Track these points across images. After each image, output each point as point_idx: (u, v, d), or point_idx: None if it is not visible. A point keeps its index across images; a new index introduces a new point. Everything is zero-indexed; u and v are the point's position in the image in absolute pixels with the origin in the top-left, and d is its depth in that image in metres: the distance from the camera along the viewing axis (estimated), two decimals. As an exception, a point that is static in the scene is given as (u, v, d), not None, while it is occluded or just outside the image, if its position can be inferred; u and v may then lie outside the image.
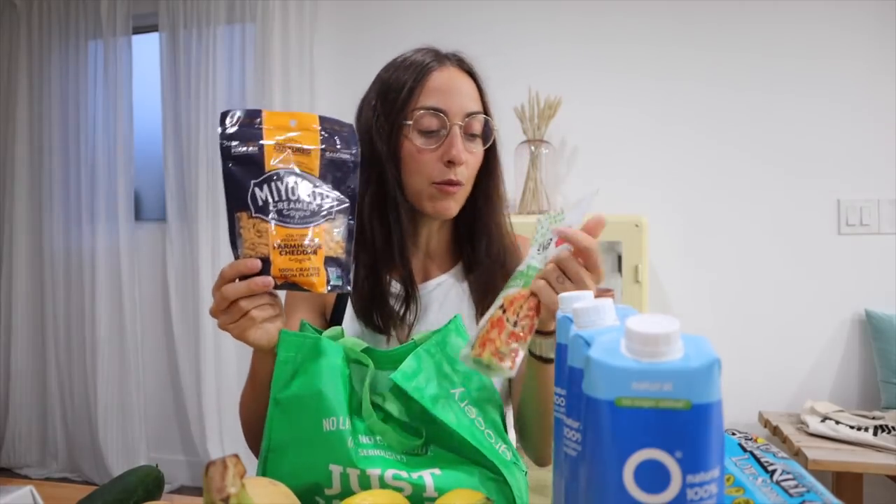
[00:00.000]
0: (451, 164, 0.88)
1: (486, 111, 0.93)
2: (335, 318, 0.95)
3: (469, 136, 0.91)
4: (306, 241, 0.70)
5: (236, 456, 0.47)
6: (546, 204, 2.20)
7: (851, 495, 1.85)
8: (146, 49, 2.84)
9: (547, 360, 0.80)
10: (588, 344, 0.46)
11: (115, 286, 2.77)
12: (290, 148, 0.72)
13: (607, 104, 2.34)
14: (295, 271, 0.69)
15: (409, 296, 0.92)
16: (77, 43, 2.80)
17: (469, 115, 0.90)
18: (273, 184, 0.70)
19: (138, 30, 2.82)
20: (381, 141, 0.91)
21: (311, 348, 0.73)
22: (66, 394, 2.85)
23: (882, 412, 1.94)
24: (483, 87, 0.94)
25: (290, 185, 0.70)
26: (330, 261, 0.71)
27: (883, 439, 1.75)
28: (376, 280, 0.91)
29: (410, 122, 0.89)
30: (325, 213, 0.72)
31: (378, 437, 0.72)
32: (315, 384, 0.71)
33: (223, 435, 2.64)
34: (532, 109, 2.22)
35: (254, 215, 0.69)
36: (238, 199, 0.70)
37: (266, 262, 0.69)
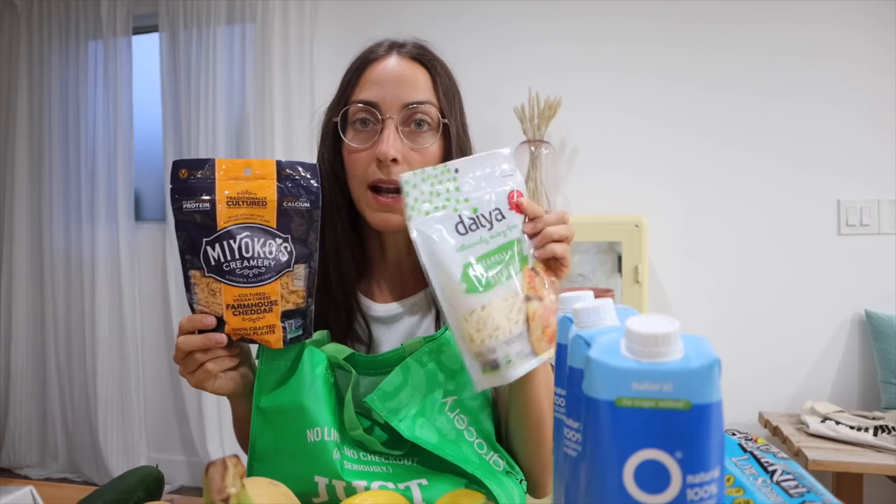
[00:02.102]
0: (379, 162, 0.79)
1: (440, 103, 0.82)
2: None
3: (412, 130, 0.81)
4: (260, 301, 0.68)
5: (236, 456, 0.47)
6: (546, 204, 2.20)
7: (851, 495, 1.85)
8: (146, 49, 2.84)
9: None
10: (588, 344, 0.46)
11: (115, 286, 2.77)
12: (243, 201, 0.69)
13: (607, 105, 2.34)
14: (249, 330, 0.69)
15: (350, 312, 0.85)
16: (77, 43, 2.80)
17: (408, 105, 0.80)
18: (225, 242, 0.68)
19: (138, 30, 2.82)
20: (323, 146, 0.86)
21: (292, 357, 0.71)
22: (66, 394, 2.85)
23: (882, 412, 1.94)
24: (441, 79, 0.83)
25: (243, 243, 0.68)
26: (287, 314, 0.70)
27: (883, 439, 1.75)
28: (324, 293, 0.83)
29: (338, 120, 0.82)
30: (282, 266, 0.69)
31: (362, 451, 0.71)
32: (296, 395, 0.69)
33: (223, 435, 2.63)
34: (532, 110, 2.22)
35: (206, 274, 0.68)
36: (191, 257, 0.68)
37: (220, 320, 0.69)
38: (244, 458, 0.83)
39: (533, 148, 2.22)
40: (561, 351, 0.54)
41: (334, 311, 0.85)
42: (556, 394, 0.54)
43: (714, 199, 2.27)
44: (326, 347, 0.75)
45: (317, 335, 0.75)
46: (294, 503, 0.60)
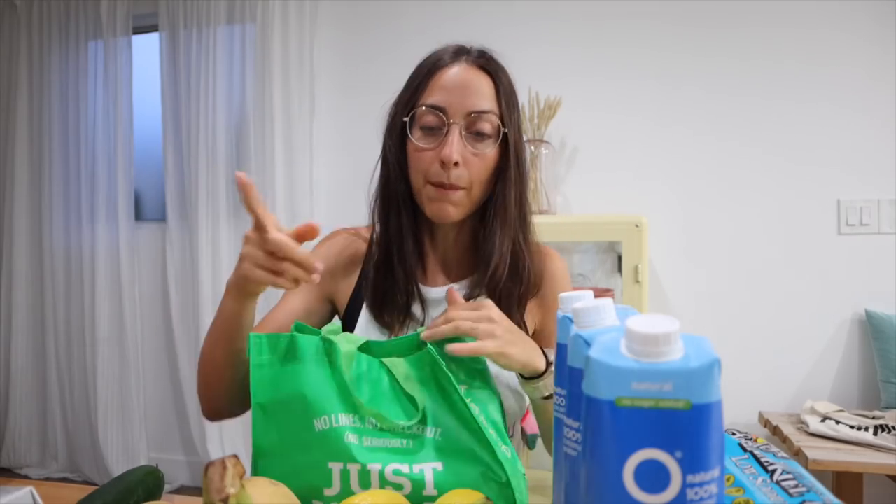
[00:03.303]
0: (443, 165, 0.85)
1: (501, 112, 0.88)
2: (349, 316, 0.95)
3: (474, 135, 0.86)
4: None
5: (235, 456, 0.47)
6: (546, 204, 2.20)
7: (851, 495, 1.85)
8: (146, 49, 2.84)
9: (549, 398, 0.80)
10: (588, 344, 0.46)
11: (115, 286, 2.77)
12: None
13: (607, 104, 2.34)
14: None
15: (410, 294, 0.91)
16: (77, 43, 2.80)
17: (473, 113, 0.85)
18: None
19: (138, 30, 2.82)
20: (390, 139, 0.91)
21: (285, 348, 0.71)
22: (66, 394, 2.85)
23: (882, 412, 1.94)
24: (504, 88, 0.89)
25: None
26: None
27: (883, 439, 1.75)
28: (385, 275, 0.91)
29: (408, 119, 0.88)
30: None
31: (378, 429, 0.71)
32: (297, 386, 0.70)
33: (223, 435, 2.63)
34: (532, 110, 2.22)
35: None
36: None
37: None
38: (246, 451, 0.83)
39: (533, 148, 2.22)
40: (561, 351, 0.54)
41: (396, 293, 0.90)
42: (556, 394, 0.54)
43: (714, 199, 2.27)
44: (339, 337, 0.75)
45: (330, 326, 0.76)
46: (294, 503, 0.60)
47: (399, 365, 0.75)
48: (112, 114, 2.75)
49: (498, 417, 0.76)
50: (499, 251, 0.89)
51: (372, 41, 2.54)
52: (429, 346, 0.74)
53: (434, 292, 0.93)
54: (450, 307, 0.78)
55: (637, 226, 1.98)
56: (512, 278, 0.91)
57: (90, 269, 2.77)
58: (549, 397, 0.80)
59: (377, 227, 0.94)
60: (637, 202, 2.28)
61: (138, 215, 2.83)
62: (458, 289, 0.93)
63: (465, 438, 0.70)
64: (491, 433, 0.72)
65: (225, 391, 0.84)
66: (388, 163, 0.91)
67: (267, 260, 0.71)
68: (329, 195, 2.59)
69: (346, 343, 0.74)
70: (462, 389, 0.73)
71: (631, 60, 2.32)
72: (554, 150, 2.29)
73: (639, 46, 2.31)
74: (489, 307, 0.77)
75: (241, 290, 0.76)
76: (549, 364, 0.79)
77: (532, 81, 2.23)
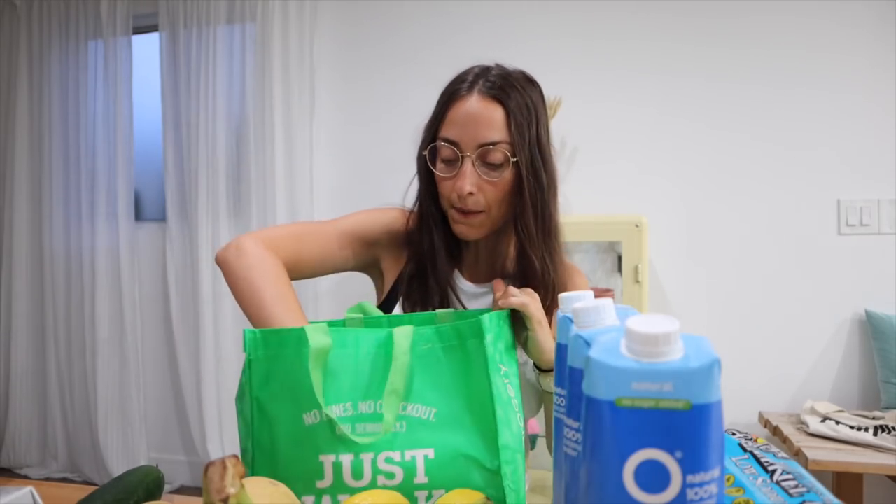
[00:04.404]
0: (459, 196, 0.91)
1: (512, 139, 0.91)
2: (388, 303, 1.01)
3: (488, 165, 0.92)
4: None
5: (235, 456, 0.47)
6: (546, 204, 2.20)
7: (851, 495, 1.86)
8: (146, 49, 2.84)
9: None
10: (588, 344, 0.46)
11: (115, 286, 2.77)
12: None
13: (607, 104, 2.34)
14: None
15: (445, 298, 0.97)
16: (77, 43, 2.80)
17: (482, 146, 0.91)
18: None
19: (138, 30, 2.82)
20: (420, 162, 0.98)
21: (278, 344, 0.72)
22: (66, 394, 2.85)
23: (882, 412, 1.94)
24: (514, 114, 0.92)
25: None
26: None
27: (883, 439, 1.75)
28: (419, 285, 0.98)
29: (431, 150, 0.95)
30: None
31: (372, 415, 0.71)
32: (287, 380, 0.71)
33: (223, 435, 2.63)
34: (532, 109, 2.22)
35: None
36: None
37: None
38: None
39: (533, 148, 2.22)
40: (561, 351, 0.54)
41: (431, 296, 0.98)
42: (556, 394, 0.54)
43: (714, 199, 2.27)
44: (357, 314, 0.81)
45: (353, 308, 0.82)
46: (294, 503, 0.60)
47: (404, 338, 0.73)
48: (112, 113, 2.75)
49: (519, 403, 0.76)
50: (525, 258, 0.96)
51: (372, 41, 2.54)
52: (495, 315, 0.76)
53: (469, 286, 1.01)
54: (509, 289, 0.83)
55: (637, 226, 1.98)
56: (537, 290, 0.93)
57: (90, 269, 2.77)
58: None
59: (412, 232, 1.02)
60: (637, 202, 2.28)
61: (138, 215, 2.83)
62: (489, 286, 1.00)
63: (465, 419, 0.71)
64: (500, 414, 0.71)
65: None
66: (422, 182, 0.99)
67: None
68: (329, 195, 2.59)
69: (321, 336, 0.72)
70: (502, 370, 0.74)
71: (632, 61, 2.32)
72: (554, 150, 2.28)
73: (639, 47, 2.31)
74: (535, 297, 0.83)
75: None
76: None
77: (532, 81, 2.23)
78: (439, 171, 0.94)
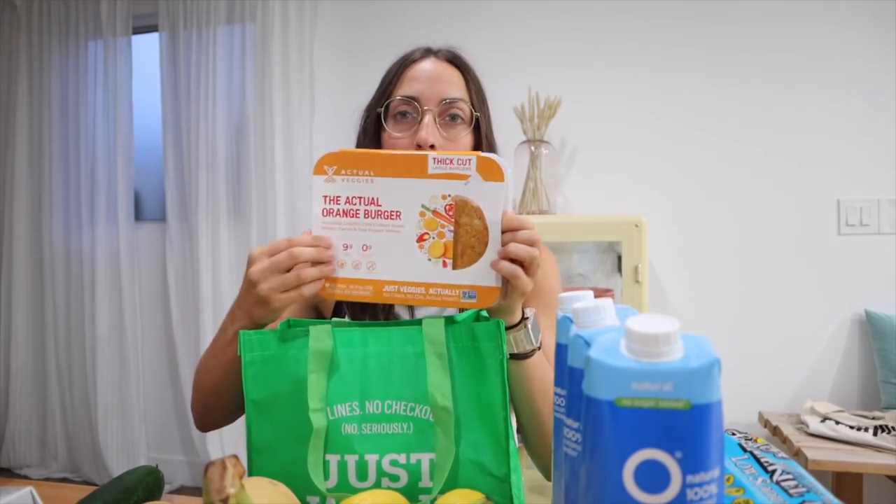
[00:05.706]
0: (420, 148, 0.86)
1: (472, 99, 0.91)
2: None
3: (447, 120, 0.89)
4: None
5: (235, 457, 0.47)
6: (546, 204, 2.20)
7: (851, 495, 1.86)
8: (146, 49, 2.84)
9: (524, 356, 0.77)
10: (588, 344, 0.46)
11: (115, 286, 2.77)
12: None
13: (607, 104, 2.34)
14: None
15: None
16: (77, 43, 2.80)
17: (445, 100, 0.89)
18: None
19: (138, 30, 2.82)
20: (364, 138, 0.93)
21: (276, 344, 0.71)
22: (66, 394, 2.85)
23: (882, 412, 1.94)
24: (472, 81, 0.93)
25: None
26: None
27: (883, 439, 1.75)
28: None
29: (382, 111, 0.90)
30: None
31: (378, 415, 0.69)
32: (290, 380, 0.69)
33: (223, 435, 2.63)
34: (532, 109, 2.22)
35: None
36: None
37: None
38: (246, 451, 0.82)
39: (533, 148, 2.22)
40: (561, 351, 0.54)
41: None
42: (556, 393, 0.54)
43: (714, 199, 2.27)
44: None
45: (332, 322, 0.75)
46: (294, 502, 0.60)
47: (412, 340, 0.71)
48: (112, 114, 2.75)
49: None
50: None
51: (372, 41, 2.54)
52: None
53: None
54: (526, 229, 0.71)
55: (637, 226, 1.98)
56: None
57: (90, 270, 2.77)
58: (518, 356, 0.77)
59: None
60: (637, 202, 2.28)
61: (138, 215, 2.83)
62: None
63: (474, 423, 0.69)
64: (511, 421, 0.71)
65: (222, 408, 0.84)
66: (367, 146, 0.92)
67: (285, 279, 0.70)
68: (329, 195, 2.58)
69: (323, 337, 0.71)
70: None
71: (632, 61, 2.32)
72: (554, 150, 2.29)
73: (640, 47, 2.31)
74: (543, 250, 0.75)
75: (254, 320, 0.74)
76: (524, 318, 0.78)
77: (532, 81, 2.23)
78: (392, 129, 0.90)
